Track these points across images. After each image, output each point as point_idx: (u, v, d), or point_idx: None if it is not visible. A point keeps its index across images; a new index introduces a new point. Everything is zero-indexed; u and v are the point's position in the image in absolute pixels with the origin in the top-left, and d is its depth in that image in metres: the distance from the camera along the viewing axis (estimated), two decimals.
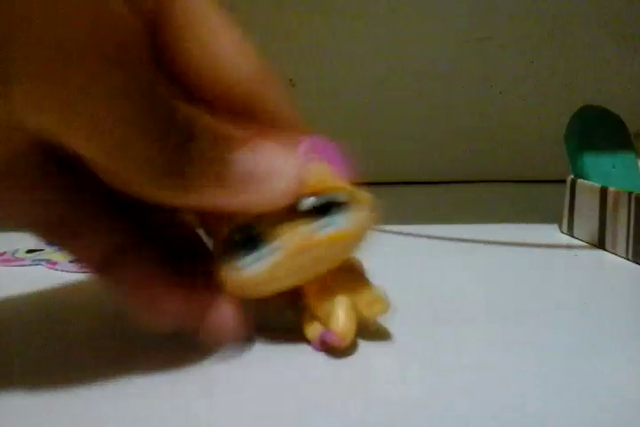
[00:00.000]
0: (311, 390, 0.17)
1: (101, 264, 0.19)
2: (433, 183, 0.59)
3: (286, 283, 0.18)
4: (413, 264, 0.31)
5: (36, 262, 0.29)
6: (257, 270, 0.17)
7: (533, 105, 0.61)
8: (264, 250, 0.17)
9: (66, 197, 0.19)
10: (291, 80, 0.58)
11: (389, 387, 0.17)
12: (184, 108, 0.16)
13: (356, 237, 0.18)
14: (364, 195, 0.18)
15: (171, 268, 0.19)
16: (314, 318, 0.19)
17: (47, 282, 0.26)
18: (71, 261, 0.28)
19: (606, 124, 0.36)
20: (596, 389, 0.17)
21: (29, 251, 0.31)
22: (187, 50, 0.18)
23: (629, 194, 0.31)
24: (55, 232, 0.19)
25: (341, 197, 0.18)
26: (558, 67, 0.60)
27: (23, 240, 0.30)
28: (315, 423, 0.15)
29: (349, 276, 0.19)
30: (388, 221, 0.39)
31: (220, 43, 0.19)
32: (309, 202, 0.17)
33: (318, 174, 0.18)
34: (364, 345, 0.20)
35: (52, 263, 0.29)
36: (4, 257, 0.30)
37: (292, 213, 0.17)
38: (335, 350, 0.19)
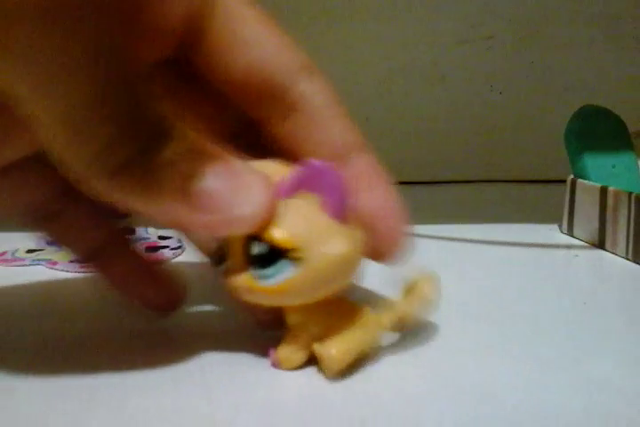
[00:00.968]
0: (310, 391, 0.17)
1: (90, 255, 0.19)
2: (433, 183, 0.59)
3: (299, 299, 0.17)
4: (413, 264, 0.31)
5: (36, 262, 0.29)
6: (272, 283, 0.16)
7: (533, 105, 0.61)
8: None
9: (59, 188, 0.19)
10: None
11: (389, 387, 0.17)
12: (165, 110, 0.15)
13: (298, 291, 0.17)
14: (341, 239, 0.17)
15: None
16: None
17: (47, 282, 0.26)
18: (71, 261, 0.28)
19: (606, 124, 0.36)
20: (597, 389, 0.17)
21: (29, 251, 0.31)
22: (231, 52, 0.18)
23: (629, 194, 0.31)
24: (46, 220, 0.19)
25: (290, 252, 0.16)
26: (558, 67, 0.60)
27: (23, 240, 0.30)
28: (315, 423, 0.15)
29: (339, 319, 0.18)
30: None
31: (265, 41, 0.19)
32: (256, 249, 0.16)
33: (294, 213, 0.16)
34: None
35: (51, 263, 0.29)
36: (4, 257, 0.30)
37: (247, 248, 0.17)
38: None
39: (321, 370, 0.18)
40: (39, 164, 0.18)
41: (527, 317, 0.23)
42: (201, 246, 0.20)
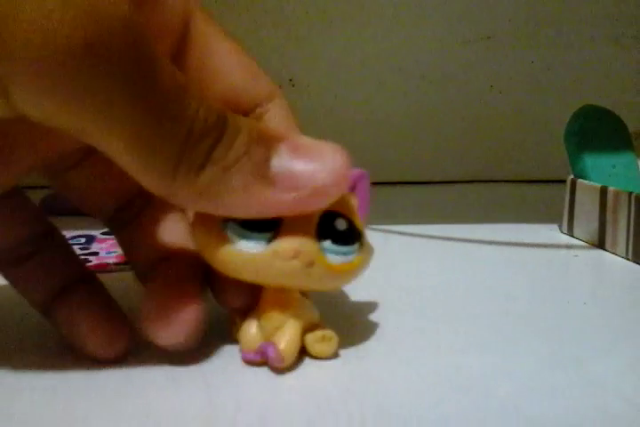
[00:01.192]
0: (310, 390, 0.17)
1: (46, 303, 0.19)
2: (433, 183, 0.59)
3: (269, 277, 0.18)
4: (413, 264, 0.31)
5: None
6: (255, 252, 0.17)
7: (533, 105, 0.61)
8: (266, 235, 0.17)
9: (28, 231, 0.19)
10: (291, 80, 0.58)
11: (389, 387, 0.17)
12: (217, 105, 0.16)
13: (354, 274, 0.18)
14: (368, 241, 0.19)
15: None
16: (258, 326, 0.18)
17: None
18: None
19: (606, 124, 0.36)
20: (597, 389, 0.17)
21: None
22: (203, 81, 0.19)
23: (629, 194, 0.31)
24: (9, 265, 0.19)
25: (361, 237, 0.18)
26: (558, 67, 0.60)
27: None
28: (315, 423, 0.15)
29: (310, 310, 0.19)
30: (388, 221, 0.39)
31: (235, 72, 0.20)
32: (342, 225, 0.18)
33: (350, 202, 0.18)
34: (362, 344, 0.20)
35: None
36: None
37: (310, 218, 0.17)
38: (271, 364, 0.18)
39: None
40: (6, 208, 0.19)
41: (527, 317, 0.23)
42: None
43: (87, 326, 0.18)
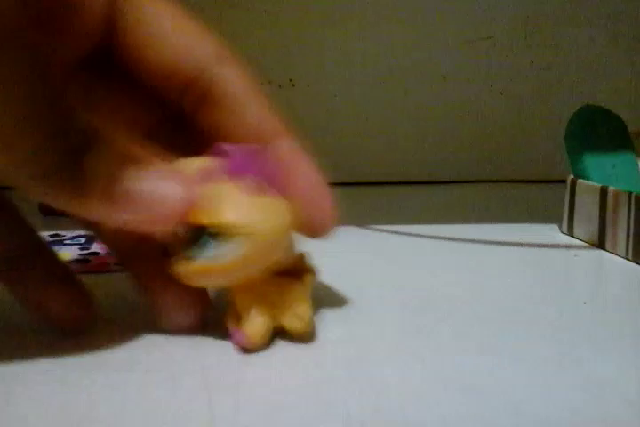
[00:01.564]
0: (310, 390, 0.17)
1: (2, 265, 0.19)
2: (433, 183, 0.59)
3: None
4: (413, 264, 0.31)
5: None
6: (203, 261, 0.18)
7: (533, 105, 0.61)
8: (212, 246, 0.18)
9: None
10: (291, 80, 0.58)
11: (389, 387, 0.17)
12: (86, 117, 0.16)
13: (225, 270, 0.18)
14: (263, 227, 0.18)
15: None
16: (235, 313, 0.19)
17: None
18: (71, 261, 0.28)
19: (606, 124, 0.36)
20: (597, 389, 0.17)
21: None
22: (145, 47, 0.19)
23: (629, 194, 0.31)
24: None
25: (211, 231, 0.18)
26: (558, 67, 0.60)
27: None
28: (315, 423, 0.15)
29: (287, 287, 0.20)
30: (388, 220, 0.39)
31: (177, 34, 0.19)
32: (180, 232, 0.18)
33: (225, 196, 0.18)
34: (361, 344, 0.20)
35: None
36: None
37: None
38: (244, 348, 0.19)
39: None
40: None
41: (527, 317, 0.23)
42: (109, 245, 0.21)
43: (52, 290, 0.19)
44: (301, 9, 0.57)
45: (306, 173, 0.20)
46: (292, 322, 0.19)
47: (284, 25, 0.57)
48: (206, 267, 0.18)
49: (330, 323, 0.21)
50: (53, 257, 0.20)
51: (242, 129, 0.20)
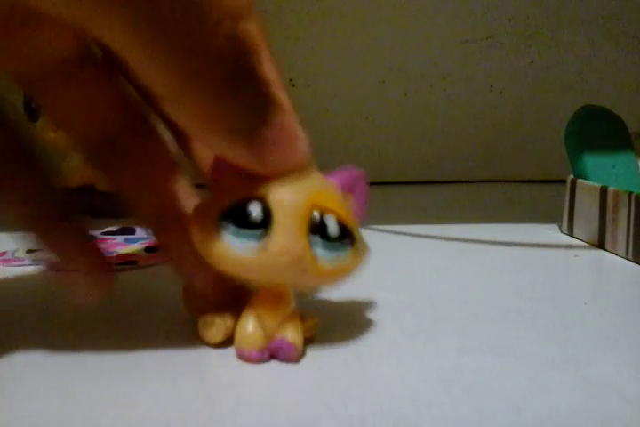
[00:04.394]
0: (310, 390, 0.17)
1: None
2: (433, 183, 0.59)
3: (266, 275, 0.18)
4: (413, 264, 0.31)
5: (36, 262, 0.29)
6: (249, 252, 0.17)
7: (533, 105, 0.61)
8: (262, 233, 0.17)
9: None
10: (291, 80, 0.58)
11: (389, 387, 0.17)
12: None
13: (344, 272, 0.18)
14: (363, 240, 0.19)
15: None
16: (256, 325, 0.19)
17: (47, 282, 0.26)
18: None
19: (606, 124, 0.36)
20: (597, 389, 0.17)
21: (29, 251, 0.31)
22: None
23: (629, 194, 0.31)
24: None
25: (354, 235, 0.18)
26: (558, 67, 0.60)
27: (23, 240, 0.30)
28: (315, 423, 0.15)
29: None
30: (388, 221, 0.39)
31: None
32: (333, 223, 0.18)
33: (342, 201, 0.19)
34: (362, 344, 0.20)
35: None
36: (4, 257, 0.30)
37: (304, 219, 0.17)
38: (286, 359, 0.18)
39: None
40: None
41: (527, 317, 0.23)
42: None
43: (82, 246, 0.19)
44: (301, 9, 0.57)
45: None
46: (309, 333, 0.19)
47: (284, 25, 0.57)
48: (336, 267, 0.18)
49: (329, 323, 0.21)
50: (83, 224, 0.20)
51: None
